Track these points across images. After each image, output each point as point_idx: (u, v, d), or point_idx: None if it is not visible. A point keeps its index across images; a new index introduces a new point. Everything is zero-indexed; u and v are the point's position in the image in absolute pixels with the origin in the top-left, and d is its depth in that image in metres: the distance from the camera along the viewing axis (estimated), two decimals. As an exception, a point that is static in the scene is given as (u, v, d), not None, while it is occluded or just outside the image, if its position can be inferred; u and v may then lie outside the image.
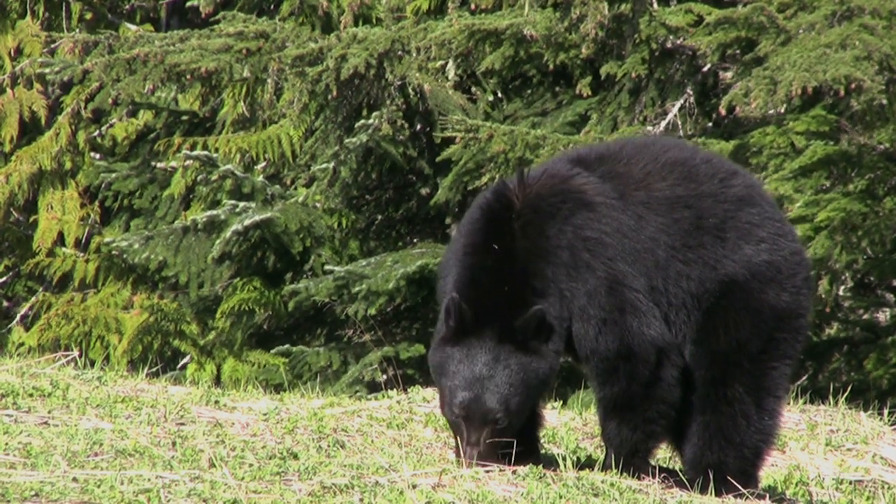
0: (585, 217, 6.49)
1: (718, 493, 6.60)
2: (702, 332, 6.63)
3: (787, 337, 6.68)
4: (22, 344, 16.06)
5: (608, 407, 6.61)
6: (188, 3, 17.10)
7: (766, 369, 6.65)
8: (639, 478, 6.61)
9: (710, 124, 13.96)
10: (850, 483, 7.65)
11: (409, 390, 8.71)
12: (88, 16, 17.85)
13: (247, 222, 14.98)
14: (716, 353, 6.62)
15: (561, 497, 6.26)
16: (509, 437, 6.44)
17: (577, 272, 6.47)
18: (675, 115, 13.41)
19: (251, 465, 6.29)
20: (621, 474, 6.60)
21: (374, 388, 13.99)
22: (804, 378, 14.47)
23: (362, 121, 14.61)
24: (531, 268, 6.42)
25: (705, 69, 13.58)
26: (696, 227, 6.61)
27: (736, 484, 6.60)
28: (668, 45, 13.30)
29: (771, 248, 6.68)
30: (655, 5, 13.32)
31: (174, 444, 6.52)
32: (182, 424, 6.93)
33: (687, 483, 6.60)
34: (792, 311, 6.68)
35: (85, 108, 16.72)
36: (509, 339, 6.40)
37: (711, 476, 6.61)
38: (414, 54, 13.46)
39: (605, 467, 6.66)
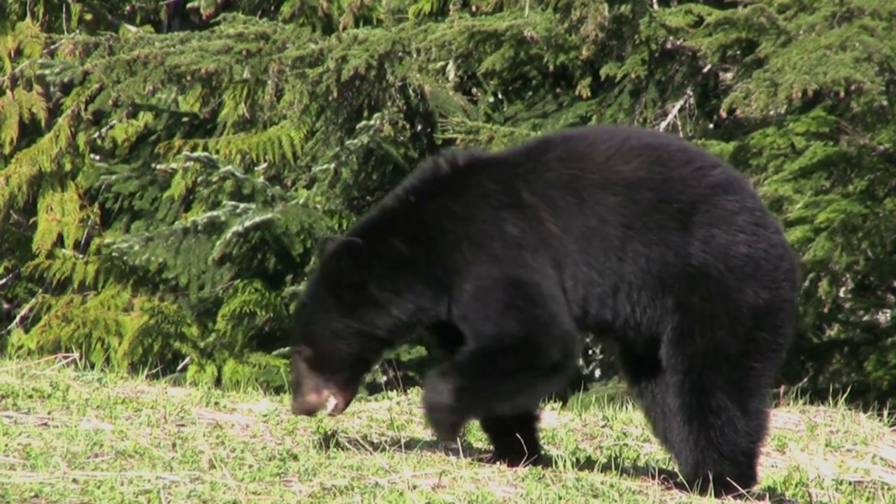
0: (508, 215, 6.54)
1: (718, 495, 6.60)
2: (677, 332, 6.55)
3: (767, 335, 6.59)
4: (21, 346, 16.06)
5: (479, 354, 6.53)
6: (189, 5, 17.10)
7: (746, 370, 6.57)
8: (442, 434, 6.57)
9: (711, 125, 13.97)
10: (850, 484, 7.64)
11: (409, 392, 8.71)
12: (88, 17, 17.85)
13: (247, 224, 14.98)
14: (693, 357, 6.53)
15: (560, 498, 6.27)
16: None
17: (486, 253, 6.52)
18: (676, 117, 13.41)
19: (251, 466, 6.29)
20: (426, 417, 6.57)
21: (374, 389, 14.00)
22: (804, 379, 14.47)
23: (363, 122, 14.61)
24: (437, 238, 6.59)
25: (705, 70, 13.58)
26: (658, 209, 6.53)
27: (735, 485, 6.59)
28: (669, 46, 13.30)
29: (750, 239, 6.57)
30: (655, 6, 13.32)
31: (174, 445, 6.53)
32: (182, 426, 6.94)
33: (686, 484, 6.59)
34: (771, 308, 6.58)
35: (85, 109, 16.72)
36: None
37: (711, 482, 6.59)
38: (414, 55, 13.46)
39: (424, 396, 6.60)
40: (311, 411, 6.70)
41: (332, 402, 6.68)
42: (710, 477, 6.56)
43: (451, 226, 6.59)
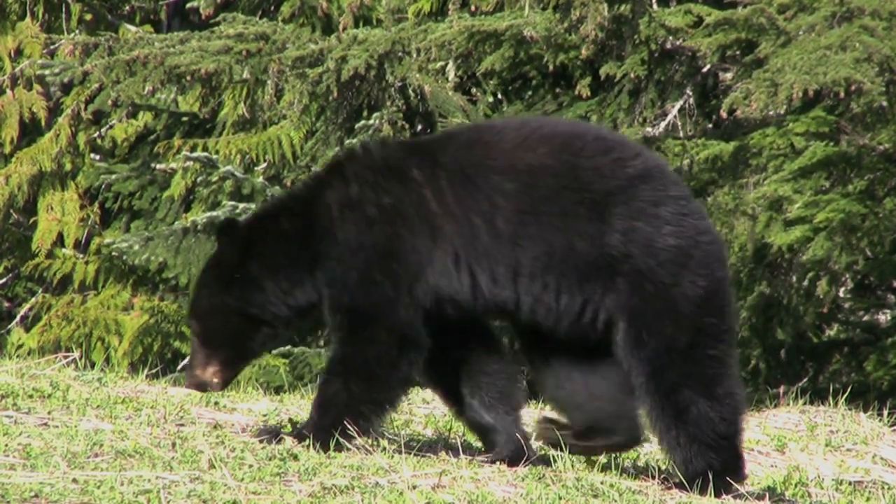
0: (390, 182, 6.64)
1: (717, 491, 6.61)
2: (627, 335, 6.55)
3: (714, 320, 6.57)
4: (22, 345, 16.06)
5: (336, 364, 6.68)
6: (188, 5, 17.09)
7: (703, 360, 6.56)
8: (322, 448, 6.61)
9: (710, 125, 13.96)
10: (850, 484, 7.65)
11: (408, 392, 8.70)
12: (88, 17, 17.84)
13: (247, 224, 14.95)
14: (649, 359, 6.53)
15: (560, 498, 6.27)
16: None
17: (363, 217, 6.62)
18: (675, 117, 13.41)
19: (251, 466, 6.29)
20: (300, 438, 6.63)
21: (374, 389, 13.96)
22: (804, 379, 14.47)
23: (363, 122, 14.60)
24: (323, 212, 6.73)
25: (705, 70, 13.58)
26: (563, 196, 6.54)
27: (729, 477, 6.61)
28: (668, 46, 13.30)
29: (676, 230, 6.55)
30: (655, 6, 13.32)
31: (174, 445, 6.53)
32: (182, 425, 6.94)
33: (686, 484, 6.60)
34: (711, 293, 6.56)
35: (85, 109, 16.70)
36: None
37: (710, 479, 6.61)
38: (414, 55, 13.46)
39: (297, 433, 6.69)
40: (200, 387, 6.89)
41: (214, 379, 6.88)
42: (701, 473, 6.58)
43: (331, 193, 6.73)
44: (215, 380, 6.87)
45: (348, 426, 6.61)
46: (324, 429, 6.64)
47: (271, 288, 6.77)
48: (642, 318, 6.53)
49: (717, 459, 6.60)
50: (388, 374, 6.63)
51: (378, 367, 6.61)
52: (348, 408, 6.63)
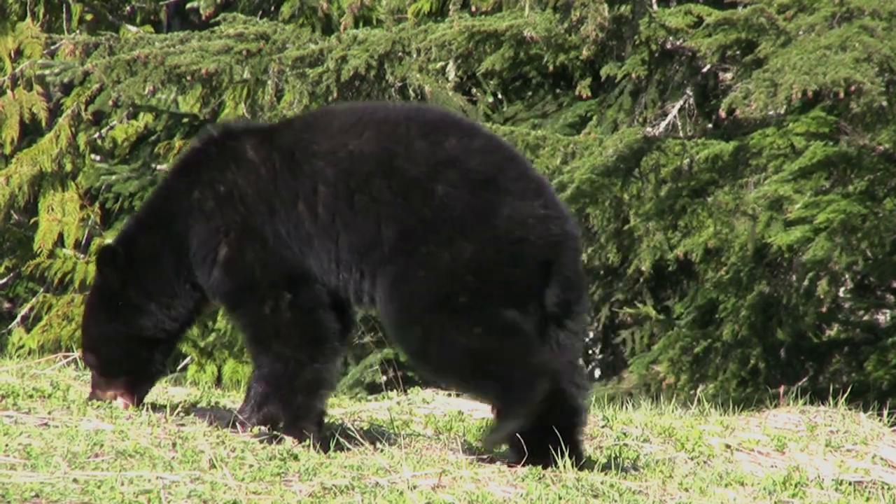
0: (224, 170, 6.72)
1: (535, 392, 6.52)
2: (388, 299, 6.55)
3: (478, 282, 6.46)
4: (22, 345, 16.07)
5: (253, 345, 6.70)
6: (188, 5, 17.11)
7: (480, 321, 6.46)
8: (304, 431, 6.62)
9: (710, 125, 13.97)
10: (850, 484, 7.65)
11: (409, 391, 8.72)
12: (89, 17, 17.85)
13: (247, 224, 14.95)
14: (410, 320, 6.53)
15: (560, 498, 6.27)
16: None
17: (203, 215, 6.71)
18: (675, 117, 13.42)
19: (251, 465, 6.30)
20: (291, 428, 6.64)
21: (374, 389, 14.00)
22: (804, 379, 14.48)
23: (363, 122, 14.59)
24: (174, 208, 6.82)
25: (705, 70, 13.58)
26: (371, 182, 6.56)
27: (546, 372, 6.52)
28: (668, 46, 13.31)
29: (464, 206, 6.48)
30: (655, 7, 13.32)
31: (174, 445, 6.53)
32: (182, 425, 6.94)
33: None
34: (487, 260, 6.47)
35: (85, 109, 16.72)
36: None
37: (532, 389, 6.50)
38: (414, 56, 13.47)
39: (286, 427, 6.68)
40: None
41: (119, 402, 6.99)
42: (522, 396, 6.47)
43: (177, 204, 6.82)
44: (122, 402, 7.02)
45: (306, 383, 6.65)
46: (295, 407, 6.68)
47: (155, 310, 6.89)
48: (402, 281, 6.49)
49: (519, 380, 6.45)
50: (296, 317, 6.67)
51: (280, 316, 6.66)
52: (289, 369, 6.67)
